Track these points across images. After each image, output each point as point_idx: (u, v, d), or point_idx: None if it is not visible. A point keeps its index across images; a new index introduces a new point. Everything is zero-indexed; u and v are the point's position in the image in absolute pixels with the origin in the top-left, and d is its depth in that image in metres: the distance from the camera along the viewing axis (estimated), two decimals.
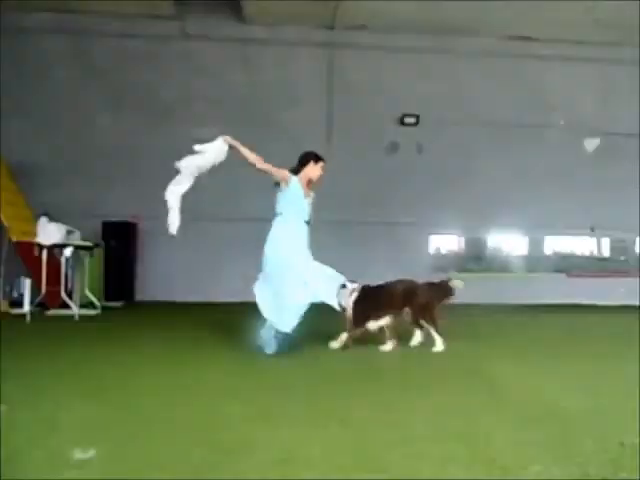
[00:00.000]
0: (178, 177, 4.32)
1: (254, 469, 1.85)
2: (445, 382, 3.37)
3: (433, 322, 4.61)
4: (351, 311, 4.57)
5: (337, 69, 10.44)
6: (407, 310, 4.66)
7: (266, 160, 4.36)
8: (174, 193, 4.32)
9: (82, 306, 7.36)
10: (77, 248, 7.43)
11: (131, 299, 9.39)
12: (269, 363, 3.96)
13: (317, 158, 4.59)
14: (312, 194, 4.59)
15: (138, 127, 9.91)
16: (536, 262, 11.29)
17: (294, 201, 4.42)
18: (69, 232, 7.42)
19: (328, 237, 10.05)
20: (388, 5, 9.37)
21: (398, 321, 4.68)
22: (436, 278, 5.10)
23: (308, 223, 4.51)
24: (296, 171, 4.51)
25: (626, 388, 3.13)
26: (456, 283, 4.81)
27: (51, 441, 2.09)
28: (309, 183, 4.55)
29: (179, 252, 9.66)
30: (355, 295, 4.59)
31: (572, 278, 10.88)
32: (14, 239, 7.76)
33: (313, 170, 4.55)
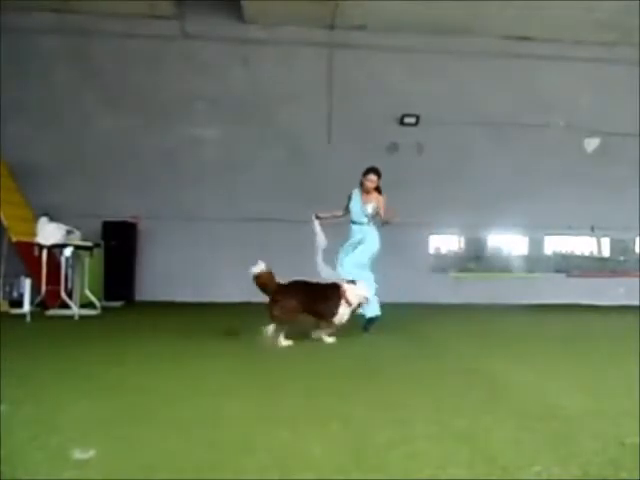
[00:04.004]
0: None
1: (254, 469, 1.84)
2: (445, 381, 3.37)
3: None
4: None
5: (337, 69, 10.44)
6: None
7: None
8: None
9: (82, 306, 7.36)
10: (77, 248, 7.42)
11: (131, 299, 9.39)
12: (268, 362, 3.96)
13: (366, 171, 5.64)
14: (373, 201, 5.59)
15: (138, 127, 9.91)
16: (536, 262, 11.28)
17: (351, 208, 5.67)
18: (69, 232, 7.41)
19: (327, 237, 10.10)
20: (388, 5, 9.38)
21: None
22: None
23: (361, 224, 5.59)
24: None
25: (626, 388, 3.13)
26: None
27: (51, 441, 2.08)
28: (367, 192, 5.59)
29: (179, 252, 9.67)
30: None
31: (572, 278, 10.88)
32: (14, 239, 7.76)
33: (365, 181, 5.61)
